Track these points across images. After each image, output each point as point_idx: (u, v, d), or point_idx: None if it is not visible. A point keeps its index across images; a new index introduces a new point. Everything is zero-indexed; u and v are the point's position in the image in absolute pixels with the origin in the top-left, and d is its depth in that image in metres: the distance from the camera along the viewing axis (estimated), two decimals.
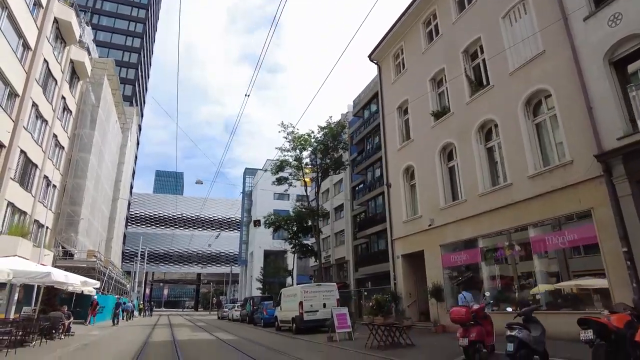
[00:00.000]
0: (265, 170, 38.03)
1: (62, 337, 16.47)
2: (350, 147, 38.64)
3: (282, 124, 35.23)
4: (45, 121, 25.10)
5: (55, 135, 27.10)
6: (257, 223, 39.74)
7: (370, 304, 12.86)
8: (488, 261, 15.19)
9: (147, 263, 70.55)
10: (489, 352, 9.76)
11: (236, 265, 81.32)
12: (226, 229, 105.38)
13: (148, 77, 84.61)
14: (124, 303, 38.88)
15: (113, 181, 43.14)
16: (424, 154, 19.06)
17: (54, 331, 15.70)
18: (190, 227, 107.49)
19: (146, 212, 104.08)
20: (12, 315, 22.66)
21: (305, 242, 41.65)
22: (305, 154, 36.31)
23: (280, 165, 36.25)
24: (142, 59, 73.98)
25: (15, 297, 23.51)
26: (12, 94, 20.55)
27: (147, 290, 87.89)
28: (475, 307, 9.79)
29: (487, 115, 15.63)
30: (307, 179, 47.06)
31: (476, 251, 15.63)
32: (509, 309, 9.48)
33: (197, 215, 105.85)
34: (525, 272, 13.81)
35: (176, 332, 20.77)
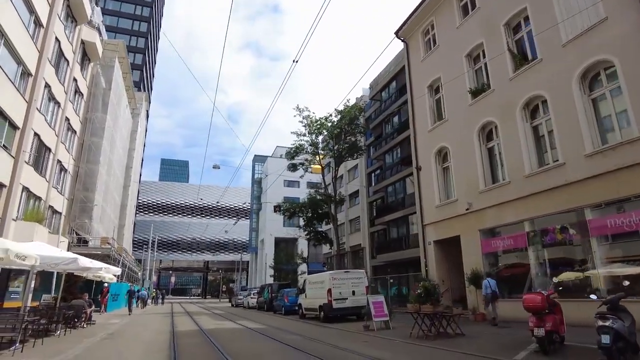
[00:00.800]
0: (281, 156, 36.94)
1: (85, 325, 15.81)
2: (366, 132, 37.58)
3: (298, 107, 34.24)
4: (57, 103, 24.22)
5: (67, 119, 26.26)
6: (277, 208, 38.94)
7: (418, 291, 12.03)
8: (535, 246, 14.28)
9: (156, 251, 70.18)
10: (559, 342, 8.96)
11: (246, 253, 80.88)
12: (234, 216, 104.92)
13: (155, 63, 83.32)
14: (138, 291, 38.45)
15: (124, 167, 42.35)
16: (459, 134, 18.06)
17: (76, 320, 15.02)
18: (199, 215, 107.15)
19: (153, 200, 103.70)
20: (29, 304, 22.10)
21: (319, 229, 40.99)
22: (320, 138, 35.43)
23: (296, 150, 35.30)
24: (149, 44, 72.69)
25: (32, 285, 22.92)
26: (25, 73, 19.65)
27: (155, 278, 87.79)
28: (544, 293, 8.95)
29: (534, 91, 14.59)
30: (318, 166, 46.38)
31: (522, 236, 14.72)
32: (593, 297, 8.59)
33: (206, 203, 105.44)
34: (579, 257, 12.92)
35: (198, 321, 20.08)
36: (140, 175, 69.69)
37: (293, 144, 35.46)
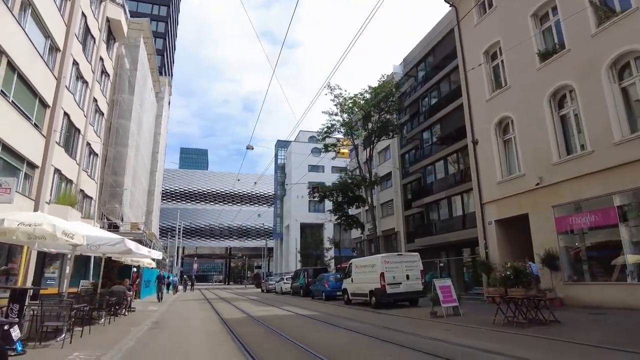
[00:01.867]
0: (314, 138, 35.29)
1: (126, 313, 14.83)
2: (399, 111, 35.71)
3: (329, 85, 32.68)
4: (85, 82, 23.21)
5: (95, 100, 25.28)
6: (314, 190, 37.37)
7: (507, 272, 10.54)
8: (629, 222, 12.59)
9: (181, 238, 69.95)
10: None
11: (271, 239, 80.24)
12: (256, 204, 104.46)
13: (175, 49, 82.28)
14: (167, 277, 37.83)
15: (150, 152, 41.49)
16: (525, 102, 16.29)
17: (117, 307, 14.02)
18: (220, 202, 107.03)
19: (175, 188, 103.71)
20: (65, 290, 21.38)
21: (350, 213, 39.63)
22: (352, 117, 33.91)
23: (327, 131, 33.83)
24: (169, 28, 71.55)
25: (67, 270, 22.19)
26: (54, 48, 18.54)
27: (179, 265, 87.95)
28: None
29: (625, 47, 12.74)
30: (346, 150, 44.97)
31: (610, 210, 13.02)
32: None
33: (227, 191, 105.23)
34: None
35: (241, 307, 19.02)
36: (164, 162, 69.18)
37: (324, 125, 34.07)
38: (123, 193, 27.81)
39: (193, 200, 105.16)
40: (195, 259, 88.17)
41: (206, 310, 17.92)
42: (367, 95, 32.01)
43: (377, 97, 31.47)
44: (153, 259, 18.50)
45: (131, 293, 15.31)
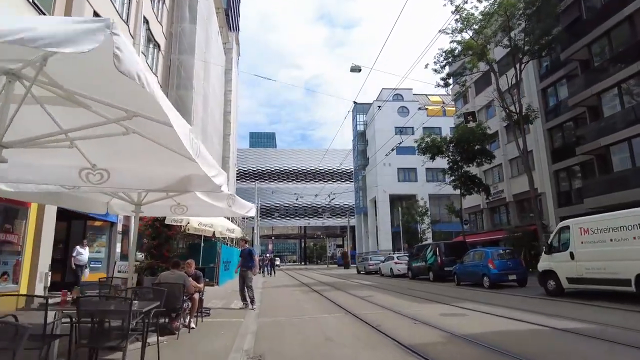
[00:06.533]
0: (435, 68, 26.50)
1: (193, 325, 7.57)
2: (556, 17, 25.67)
3: None
4: None
5: (146, 21, 18.69)
6: (424, 144, 28.46)
7: None
8: None
9: (258, 218, 64.61)
10: None
11: (352, 216, 72.72)
12: (329, 180, 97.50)
13: (239, 16, 75.94)
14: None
15: (222, 112, 34.94)
16: None
17: (173, 315, 6.80)
18: (293, 180, 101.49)
19: (247, 168, 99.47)
20: (45, 287, 14.90)
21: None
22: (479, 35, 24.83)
23: (447, 56, 25.03)
24: None
25: (118, 248, 15.76)
26: None
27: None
28: None
29: None
30: (435, 107, 35.78)
31: None
32: None
33: (300, 168, 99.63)
34: None
35: (384, 304, 11.35)
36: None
37: (441, 49, 25.30)
38: None
39: (265, 180, 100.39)
40: (273, 238, 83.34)
41: (331, 311, 10.40)
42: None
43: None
44: (250, 217, 11.21)
45: (201, 286, 7.95)
